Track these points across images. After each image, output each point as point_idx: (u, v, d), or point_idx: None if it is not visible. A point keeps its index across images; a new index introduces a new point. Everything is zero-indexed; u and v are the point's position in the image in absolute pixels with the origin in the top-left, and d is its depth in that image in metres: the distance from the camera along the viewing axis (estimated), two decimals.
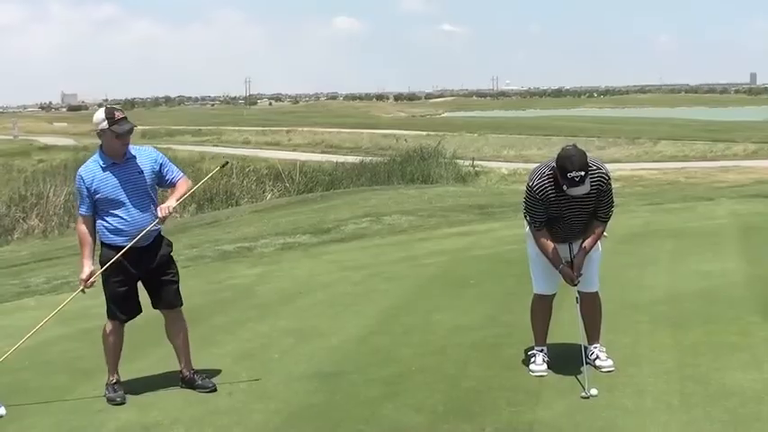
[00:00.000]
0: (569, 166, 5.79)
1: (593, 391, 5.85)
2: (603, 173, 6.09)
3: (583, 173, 5.77)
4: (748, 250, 10.63)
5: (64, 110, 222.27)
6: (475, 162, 42.10)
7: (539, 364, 6.42)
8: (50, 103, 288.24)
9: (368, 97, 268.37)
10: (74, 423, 6.06)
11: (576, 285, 6.31)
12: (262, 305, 9.34)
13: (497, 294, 8.91)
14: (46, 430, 5.97)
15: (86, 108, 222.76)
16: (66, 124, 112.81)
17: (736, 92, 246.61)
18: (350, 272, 10.77)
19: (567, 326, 7.02)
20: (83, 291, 6.45)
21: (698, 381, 6.02)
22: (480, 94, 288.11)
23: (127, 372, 6.91)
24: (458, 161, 39.02)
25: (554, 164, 5.98)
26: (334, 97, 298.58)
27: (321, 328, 8.12)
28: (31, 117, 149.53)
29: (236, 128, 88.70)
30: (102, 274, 6.46)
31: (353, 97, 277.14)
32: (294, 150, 62.21)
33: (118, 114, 6.28)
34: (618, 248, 10.74)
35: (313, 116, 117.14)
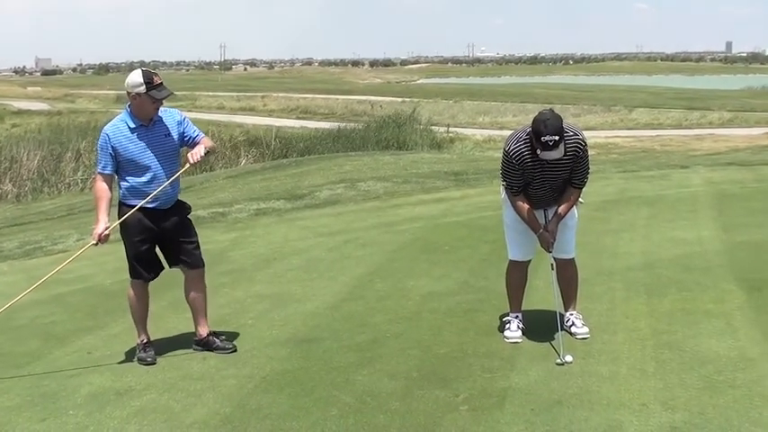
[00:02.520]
0: (543, 130, 5.76)
1: (569, 358, 5.86)
2: (580, 139, 6.06)
3: (557, 137, 5.75)
4: (723, 218, 10.68)
5: (38, 74, 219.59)
6: (450, 129, 42.09)
7: (513, 331, 6.42)
8: (24, 67, 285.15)
9: (343, 63, 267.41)
10: (46, 388, 6.02)
11: (551, 252, 6.31)
12: (236, 270, 9.30)
13: (472, 261, 8.91)
14: (18, 396, 5.92)
15: (61, 72, 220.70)
16: (39, 89, 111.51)
17: (712, 60, 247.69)
18: (324, 238, 10.74)
19: (542, 292, 7.05)
20: (95, 244, 6.35)
21: (673, 348, 6.04)
22: (456, 61, 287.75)
23: (100, 338, 6.89)
24: (433, 128, 38.91)
25: (530, 129, 5.96)
26: (309, 63, 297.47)
27: (295, 294, 8.10)
28: (4, 81, 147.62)
29: (211, 93, 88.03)
30: (126, 235, 6.47)
31: (329, 63, 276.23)
32: (269, 116, 61.90)
33: (156, 79, 6.23)
34: (593, 215, 10.78)
35: (288, 82, 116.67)
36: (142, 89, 6.15)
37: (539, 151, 5.83)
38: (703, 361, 5.78)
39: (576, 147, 6.02)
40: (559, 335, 6.11)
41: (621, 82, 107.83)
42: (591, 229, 9.87)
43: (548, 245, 6.26)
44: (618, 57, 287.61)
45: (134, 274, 6.56)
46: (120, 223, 6.40)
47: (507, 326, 6.49)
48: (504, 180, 6.24)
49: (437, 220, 11.54)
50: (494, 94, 75.45)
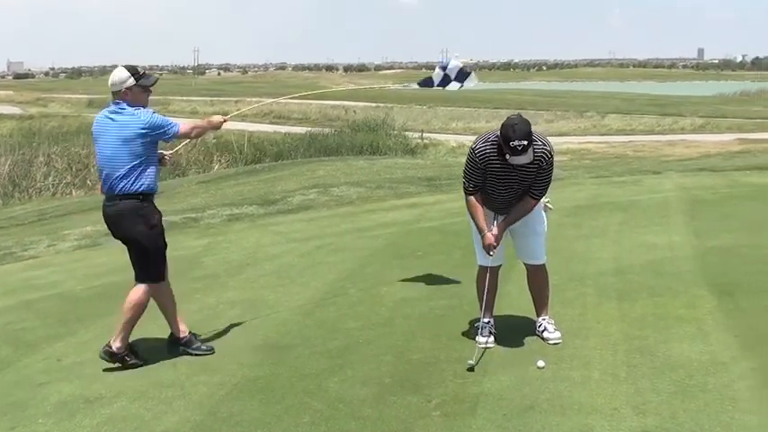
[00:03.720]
0: (512, 134, 5.77)
1: (540, 363, 5.87)
2: (547, 150, 6.08)
3: (525, 142, 5.77)
4: (695, 223, 10.75)
5: (10, 78, 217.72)
6: (424, 134, 42.16)
7: (484, 336, 6.42)
8: None
9: (317, 68, 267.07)
10: (15, 397, 5.96)
11: (491, 255, 6.28)
12: (208, 276, 9.25)
13: (445, 266, 8.90)
14: None
15: (33, 76, 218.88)
16: (11, 92, 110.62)
17: (685, 67, 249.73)
18: (297, 243, 10.70)
19: (514, 298, 7.07)
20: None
21: (644, 353, 6.07)
22: (430, 67, 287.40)
23: (70, 345, 6.82)
24: (407, 133, 38.98)
25: (499, 132, 5.96)
26: (283, 68, 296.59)
27: (268, 300, 8.07)
28: None
29: (184, 98, 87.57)
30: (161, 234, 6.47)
31: (303, 68, 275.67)
32: (242, 121, 61.62)
33: (139, 69, 6.32)
34: (565, 221, 10.84)
35: (262, 86, 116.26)
36: (131, 82, 6.18)
37: (507, 156, 5.85)
38: (675, 365, 5.80)
39: (543, 155, 6.03)
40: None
41: (594, 88, 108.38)
42: (563, 234, 9.92)
43: (488, 248, 6.25)
44: (591, 63, 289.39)
45: (161, 275, 6.53)
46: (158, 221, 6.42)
47: (479, 331, 6.48)
48: (464, 178, 6.23)
49: (410, 226, 11.54)
50: (467, 100, 75.48)
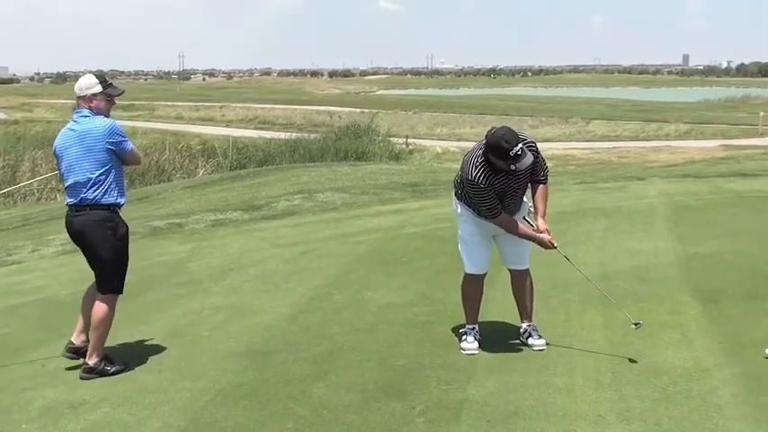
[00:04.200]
0: (507, 145, 5.83)
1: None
2: (531, 141, 6.18)
3: (520, 145, 5.86)
4: (679, 229, 10.81)
5: None
6: (408, 140, 42.20)
7: (470, 343, 6.43)
8: None
9: (302, 73, 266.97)
10: None
11: (555, 247, 6.37)
12: (192, 282, 9.23)
13: (429, 272, 8.91)
14: None
15: (18, 81, 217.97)
16: None
17: (669, 73, 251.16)
18: (281, 249, 10.68)
19: (499, 304, 7.08)
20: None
21: (629, 359, 6.08)
22: (415, 72, 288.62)
23: (55, 350, 6.77)
24: (391, 139, 38.96)
25: (482, 151, 6.04)
26: (267, 73, 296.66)
27: (252, 306, 8.04)
28: None
29: (169, 103, 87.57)
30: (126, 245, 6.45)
31: (288, 73, 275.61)
32: (227, 126, 61.71)
33: (107, 79, 6.37)
34: (550, 227, 10.80)
35: (246, 92, 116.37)
36: (98, 88, 6.22)
37: (513, 167, 5.89)
38: (659, 372, 5.82)
39: (532, 146, 6.12)
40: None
41: (579, 94, 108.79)
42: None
43: (549, 244, 6.33)
44: (575, 69, 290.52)
45: (122, 288, 6.48)
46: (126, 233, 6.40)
47: (464, 337, 6.50)
48: (482, 206, 6.19)
49: (394, 232, 11.54)
50: (452, 106, 75.78)
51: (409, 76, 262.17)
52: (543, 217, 6.39)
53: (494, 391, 5.64)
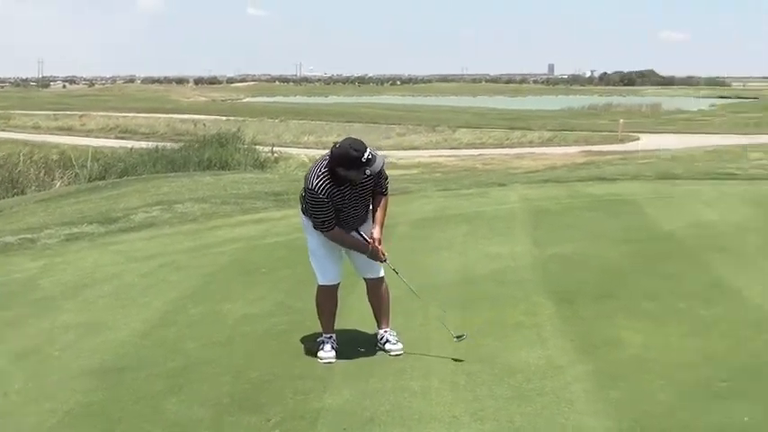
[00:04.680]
0: (356, 153, 5.88)
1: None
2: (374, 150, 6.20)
3: (368, 149, 5.92)
4: (537, 233, 11.04)
5: None
6: (275, 148, 41.93)
7: (327, 351, 6.39)
8: None
9: (167, 80, 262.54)
10: None
11: (386, 261, 6.38)
12: (44, 299, 8.86)
13: (290, 281, 8.81)
14: None
15: None
16: None
17: (535, 82, 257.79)
18: (138, 263, 10.38)
19: (356, 311, 7.04)
20: None
21: (484, 360, 6.18)
22: (283, 80, 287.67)
23: None
24: (257, 147, 38.61)
25: (326, 161, 6.06)
26: (131, 80, 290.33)
27: (106, 322, 7.77)
28: None
29: (26, 112, 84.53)
30: None
31: (152, 80, 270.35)
32: (87, 136, 60.05)
33: None
34: (413, 233, 10.95)
35: (109, 100, 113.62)
36: None
37: (368, 171, 5.94)
38: (513, 371, 5.94)
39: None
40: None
41: (446, 103, 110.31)
42: (410, 247, 10.00)
43: (379, 257, 6.31)
44: (444, 78, 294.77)
45: None
46: None
47: (321, 347, 6.45)
48: (316, 218, 6.18)
49: (256, 241, 11.39)
50: (320, 114, 75.82)
51: (277, 83, 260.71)
52: (381, 227, 6.39)
53: (350, 398, 5.62)
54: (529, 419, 5.15)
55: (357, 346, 6.56)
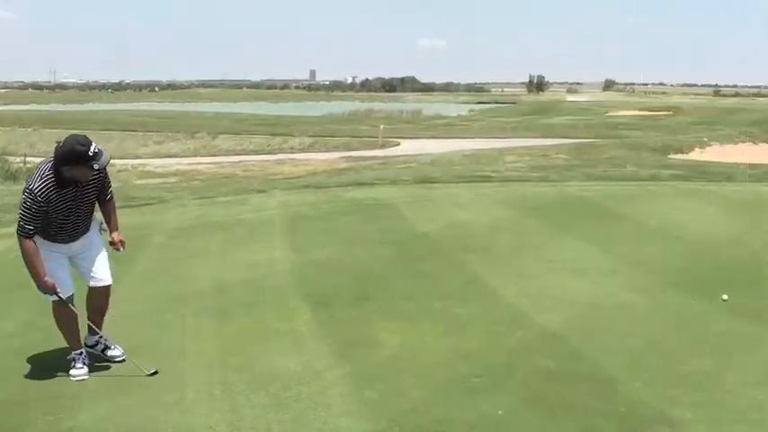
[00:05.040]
0: (83, 147, 5.80)
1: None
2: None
3: (94, 143, 5.86)
4: (294, 239, 11.16)
5: None
6: (27, 158, 39.98)
7: (79, 369, 6.21)
8: None
9: None
10: None
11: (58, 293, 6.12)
12: None
13: (38, 299, 8.42)
14: None
15: None
16: None
17: (297, 88, 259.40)
18: None
19: (105, 324, 6.84)
20: None
21: (241, 369, 6.17)
22: (37, 87, 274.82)
23: None
24: (8, 158, 36.68)
25: (50, 164, 5.91)
26: None
27: None
28: None
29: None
30: None
31: None
32: None
33: None
34: (168, 243, 10.79)
35: None
36: None
37: (96, 166, 5.82)
38: (271, 379, 5.97)
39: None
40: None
41: (207, 109, 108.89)
42: (166, 256, 9.86)
43: (52, 289, 6.06)
44: (205, 84, 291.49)
45: None
46: None
47: (73, 364, 6.25)
48: (23, 222, 5.92)
49: (3, 258, 10.82)
50: (76, 122, 72.68)
51: (30, 90, 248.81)
52: (117, 230, 6.39)
53: (104, 414, 5.47)
54: (286, 426, 5.19)
55: (107, 361, 6.41)
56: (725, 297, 7.87)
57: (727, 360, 6.33)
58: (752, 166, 21.84)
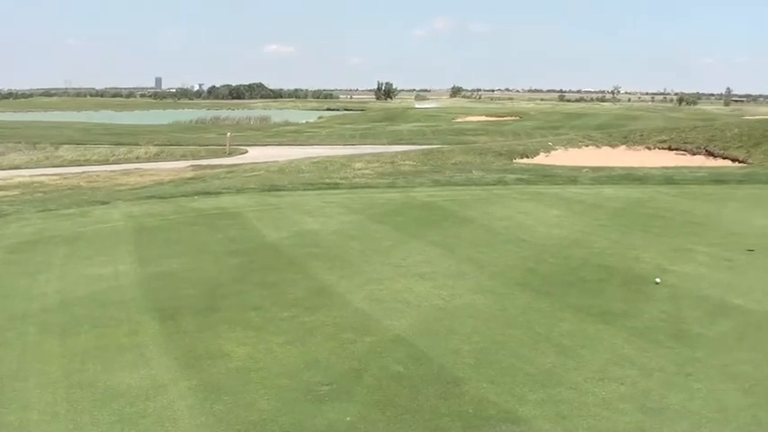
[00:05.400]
0: None
1: None
2: None
3: None
4: (140, 251, 10.94)
5: None
6: None
7: None
8: None
9: None
10: None
11: None
12: None
13: None
14: None
15: None
16: None
17: (143, 96, 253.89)
18: None
19: None
20: None
21: (85, 386, 6.04)
22: None
23: None
24: None
25: None
26: None
27: None
28: None
29: None
30: None
31: None
32: None
33: None
34: (8, 258, 10.45)
35: None
36: None
37: None
38: (116, 395, 5.87)
39: None
40: None
41: (50, 118, 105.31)
42: (5, 272, 9.57)
43: None
44: (47, 92, 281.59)
45: None
46: None
47: None
48: None
49: None
50: None
51: None
52: None
53: None
54: None
55: None
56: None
57: (571, 358, 6.59)
58: (594, 168, 22.64)
